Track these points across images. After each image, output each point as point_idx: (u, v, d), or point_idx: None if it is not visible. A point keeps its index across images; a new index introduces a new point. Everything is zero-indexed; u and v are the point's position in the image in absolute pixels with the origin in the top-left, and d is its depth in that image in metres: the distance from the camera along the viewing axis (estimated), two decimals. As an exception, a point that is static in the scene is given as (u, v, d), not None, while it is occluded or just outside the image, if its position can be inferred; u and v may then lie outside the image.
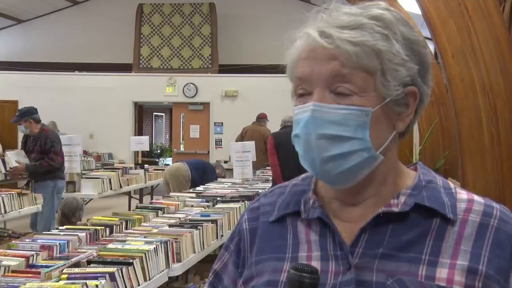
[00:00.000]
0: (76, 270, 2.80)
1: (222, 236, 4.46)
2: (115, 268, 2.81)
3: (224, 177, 8.64)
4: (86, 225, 4.03)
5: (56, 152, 6.80)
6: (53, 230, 3.87)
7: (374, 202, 0.96)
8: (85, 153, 12.23)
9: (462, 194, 0.98)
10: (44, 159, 6.73)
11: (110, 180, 7.93)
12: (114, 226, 3.99)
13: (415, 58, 0.94)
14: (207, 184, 7.10)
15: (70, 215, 5.02)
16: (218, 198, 5.49)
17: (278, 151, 5.13)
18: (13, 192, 5.91)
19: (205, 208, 4.99)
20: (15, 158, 7.03)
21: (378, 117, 0.92)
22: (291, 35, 0.97)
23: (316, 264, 0.93)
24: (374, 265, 0.92)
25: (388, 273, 0.91)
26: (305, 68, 0.93)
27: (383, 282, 0.90)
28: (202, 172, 8.06)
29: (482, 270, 0.90)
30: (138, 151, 11.92)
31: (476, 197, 0.98)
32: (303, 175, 1.07)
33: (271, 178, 7.79)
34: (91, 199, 8.38)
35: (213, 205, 5.17)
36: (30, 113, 6.86)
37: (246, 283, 1.01)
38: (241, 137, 10.40)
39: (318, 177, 0.97)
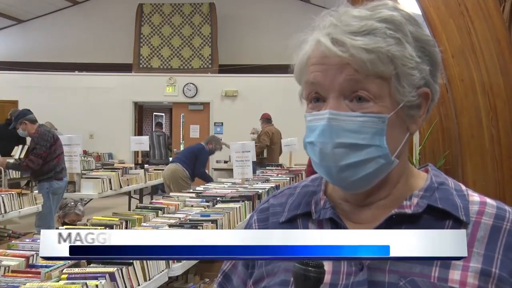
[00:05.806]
0: (76, 270, 2.81)
1: (222, 236, 4.46)
2: (115, 268, 2.82)
3: (220, 149, 8.77)
4: (86, 225, 4.03)
5: (37, 154, 6.48)
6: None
7: (386, 204, 0.96)
8: (85, 153, 12.23)
9: (474, 197, 0.97)
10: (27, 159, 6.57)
11: (110, 180, 7.94)
12: (114, 226, 3.99)
13: (426, 59, 0.92)
14: (207, 184, 7.15)
15: (60, 212, 5.06)
16: (218, 198, 5.49)
17: None
18: (13, 192, 5.92)
19: (205, 208, 4.99)
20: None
21: (393, 122, 0.91)
22: (298, 37, 0.95)
23: (327, 264, 0.92)
24: (387, 266, 0.91)
25: (400, 274, 0.90)
26: (318, 73, 0.91)
27: (395, 283, 0.90)
28: (195, 160, 8.37)
29: (496, 273, 0.90)
30: (138, 151, 11.91)
31: (489, 200, 0.97)
32: (312, 176, 1.07)
33: (270, 178, 7.82)
34: (91, 199, 8.37)
35: (213, 205, 5.18)
36: (23, 115, 6.71)
37: (256, 283, 1.00)
38: (270, 140, 10.76)
39: (334, 184, 0.96)
